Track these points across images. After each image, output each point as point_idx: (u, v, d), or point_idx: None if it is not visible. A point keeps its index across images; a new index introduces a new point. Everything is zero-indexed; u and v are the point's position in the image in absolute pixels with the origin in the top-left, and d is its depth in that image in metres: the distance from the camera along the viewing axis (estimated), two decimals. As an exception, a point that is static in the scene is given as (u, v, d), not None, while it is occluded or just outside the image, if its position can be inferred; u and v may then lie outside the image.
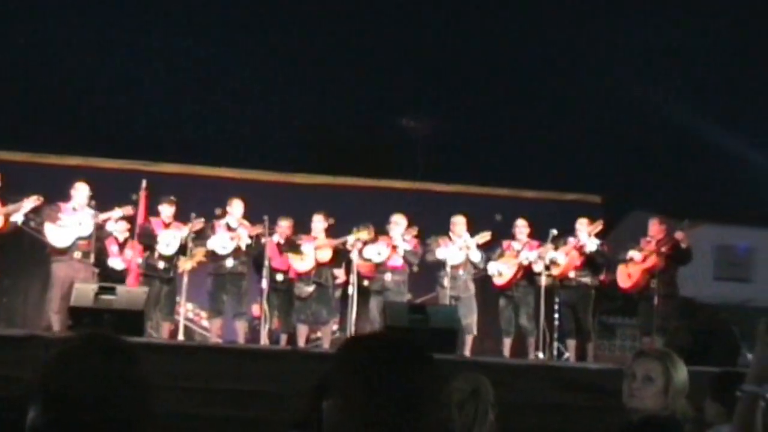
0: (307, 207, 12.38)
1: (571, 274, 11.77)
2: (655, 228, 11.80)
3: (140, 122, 30.41)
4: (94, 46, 32.36)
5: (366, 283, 11.94)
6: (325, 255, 11.79)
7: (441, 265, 11.76)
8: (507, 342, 11.93)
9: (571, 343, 11.84)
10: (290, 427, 2.86)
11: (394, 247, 11.65)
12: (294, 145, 30.80)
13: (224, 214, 12.02)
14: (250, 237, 11.58)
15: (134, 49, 32.86)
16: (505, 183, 16.77)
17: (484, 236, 11.81)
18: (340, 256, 11.97)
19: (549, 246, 11.61)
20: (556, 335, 11.89)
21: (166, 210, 11.65)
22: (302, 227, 12.11)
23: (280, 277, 11.83)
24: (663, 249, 11.49)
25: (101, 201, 11.39)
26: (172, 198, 11.68)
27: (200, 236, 11.60)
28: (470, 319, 11.58)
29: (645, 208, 19.29)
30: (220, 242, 11.57)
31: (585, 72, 33.19)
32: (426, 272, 12.28)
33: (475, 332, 11.75)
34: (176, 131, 29.16)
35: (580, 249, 11.68)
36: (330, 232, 12.01)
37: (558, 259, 11.67)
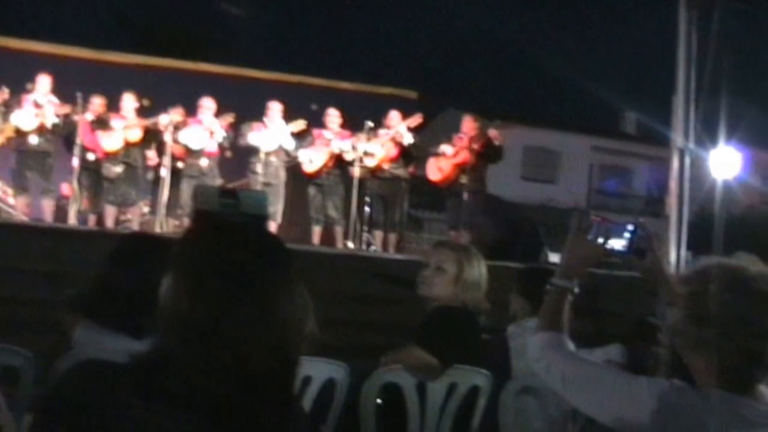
0: (121, 86, 11.87)
1: (385, 166, 11.75)
2: (468, 125, 11.88)
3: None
4: None
5: (181, 165, 11.61)
6: (135, 135, 11.39)
7: (254, 151, 11.56)
8: (317, 230, 11.90)
9: (380, 234, 11.90)
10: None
11: (212, 132, 11.38)
12: (109, 22, 29.57)
13: (34, 89, 11.38)
14: (58, 116, 11.13)
15: None
16: (323, 73, 16.56)
17: (299, 124, 11.68)
18: (152, 137, 11.57)
19: (362, 136, 11.55)
20: (365, 226, 11.92)
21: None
22: (116, 107, 11.64)
23: (91, 156, 11.37)
24: (475, 146, 11.57)
25: None
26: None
27: (7, 111, 11.08)
28: (276, 206, 11.51)
29: (459, 107, 19.48)
30: (25, 118, 11.07)
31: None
32: (238, 158, 12.03)
33: (279, 220, 11.74)
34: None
35: (396, 141, 11.65)
36: (143, 113, 11.56)
37: (373, 150, 11.61)
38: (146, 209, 12.03)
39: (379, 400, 3.95)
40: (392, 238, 12.01)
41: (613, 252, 2.73)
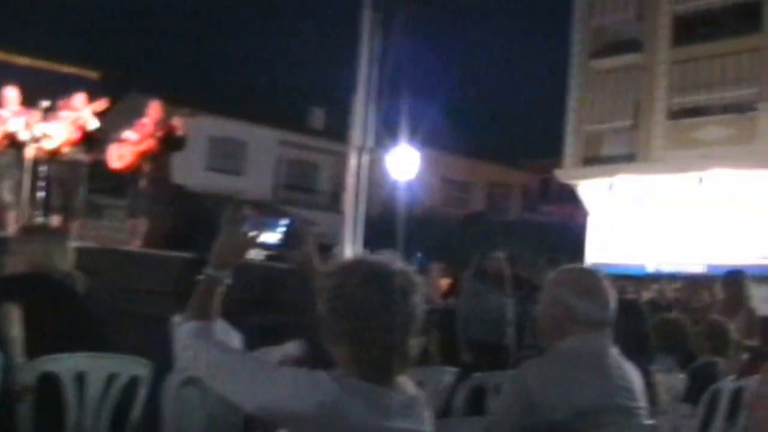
0: None
1: (66, 150, 11.29)
2: (153, 111, 11.67)
3: None
4: None
5: None
6: None
7: None
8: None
9: (57, 220, 11.42)
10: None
11: None
12: None
13: None
14: None
15: None
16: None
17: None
18: None
19: (37, 115, 11.02)
20: (41, 210, 11.39)
21: None
22: None
23: None
24: (158, 133, 11.40)
25: None
26: None
27: None
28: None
29: (145, 91, 19.09)
30: None
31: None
32: None
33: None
34: None
35: (79, 125, 11.22)
36: None
37: (53, 132, 11.10)
38: None
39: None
40: (72, 224, 11.55)
41: (266, 245, 2.81)
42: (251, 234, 2.81)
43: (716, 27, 23.50)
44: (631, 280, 19.81)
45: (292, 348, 5.70)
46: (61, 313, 4.20)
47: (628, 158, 25.07)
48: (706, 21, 23.93)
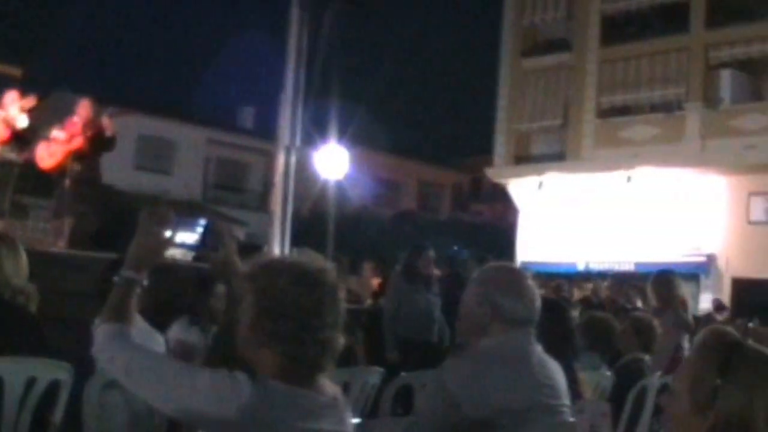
0: None
1: (-4, 149, 11.07)
2: (82, 110, 11.49)
3: None
4: None
5: None
6: None
7: None
8: None
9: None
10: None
11: None
12: None
13: None
14: None
15: None
16: None
17: None
18: None
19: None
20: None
21: None
22: None
23: None
24: (88, 133, 11.23)
25: None
26: None
27: None
28: None
29: (73, 89, 18.79)
30: None
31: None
32: None
33: None
34: None
35: (8, 123, 10.99)
36: None
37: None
38: None
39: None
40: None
41: (184, 246, 2.79)
42: (167, 234, 2.78)
43: (644, 27, 23.79)
44: (565, 279, 20.06)
45: (178, 329, 5.67)
46: (11, 341, 3.96)
47: (558, 157, 25.29)
48: (634, 21, 24.21)
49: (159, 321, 4.69)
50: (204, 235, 2.40)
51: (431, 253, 9.55)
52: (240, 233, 22.11)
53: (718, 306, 17.65)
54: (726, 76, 22.59)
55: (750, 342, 2.16)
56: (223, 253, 3.02)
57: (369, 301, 9.99)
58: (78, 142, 11.17)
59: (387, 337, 8.91)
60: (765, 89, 22.72)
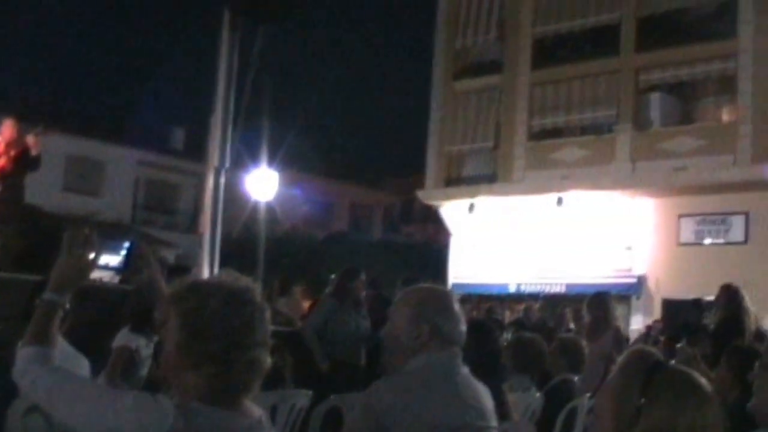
0: None
1: None
2: (6, 130, 11.31)
3: None
4: None
5: None
6: None
7: None
8: None
9: None
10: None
11: None
12: None
13: None
14: None
15: None
16: None
17: None
18: None
19: None
20: None
21: None
22: None
23: None
24: (12, 152, 11.05)
25: None
26: None
27: None
28: None
29: (-2, 109, 18.45)
30: None
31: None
32: None
33: None
34: None
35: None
36: None
37: None
38: None
39: None
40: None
41: (108, 268, 2.75)
42: (91, 256, 2.74)
43: (575, 50, 23.99)
44: (497, 300, 20.11)
45: (120, 337, 5.60)
46: None
47: (489, 179, 25.37)
48: (565, 43, 24.40)
49: (86, 344, 4.60)
50: (127, 257, 2.35)
51: (363, 276, 9.57)
52: (169, 255, 21.88)
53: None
54: (656, 98, 22.90)
55: (672, 362, 2.18)
56: (147, 275, 2.99)
57: (299, 324, 9.92)
58: (1, 161, 10.98)
59: (314, 349, 8.83)
60: (694, 112, 23.07)
